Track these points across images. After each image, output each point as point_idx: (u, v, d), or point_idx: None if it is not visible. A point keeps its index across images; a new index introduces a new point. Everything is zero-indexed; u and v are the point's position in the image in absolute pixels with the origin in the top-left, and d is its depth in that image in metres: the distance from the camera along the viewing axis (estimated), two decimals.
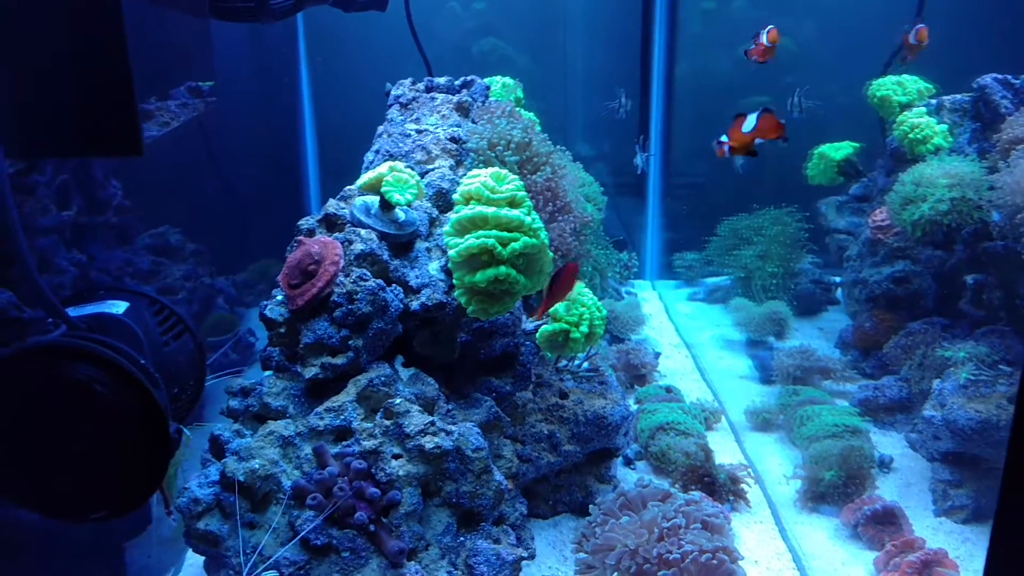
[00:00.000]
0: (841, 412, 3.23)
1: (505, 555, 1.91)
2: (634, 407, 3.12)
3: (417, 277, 2.07)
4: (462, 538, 1.92)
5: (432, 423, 1.87)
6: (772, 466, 3.21)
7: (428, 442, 1.85)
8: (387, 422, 1.88)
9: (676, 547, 2.00)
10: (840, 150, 4.36)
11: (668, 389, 3.57)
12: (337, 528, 1.84)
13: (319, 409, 1.92)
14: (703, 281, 5.20)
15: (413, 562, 1.86)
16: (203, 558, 2.60)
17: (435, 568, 1.90)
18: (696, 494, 2.16)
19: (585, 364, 2.96)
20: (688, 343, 4.39)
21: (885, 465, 3.15)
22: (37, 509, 1.37)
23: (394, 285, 2.03)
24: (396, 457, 1.87)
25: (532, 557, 1.98)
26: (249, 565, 1.95)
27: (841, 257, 4.51)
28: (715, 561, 2.00)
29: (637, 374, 3.76)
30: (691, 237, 5.29)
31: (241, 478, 1.84)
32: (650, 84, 5.61)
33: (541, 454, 2.74)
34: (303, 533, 1.81)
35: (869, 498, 2.86)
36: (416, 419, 1.87)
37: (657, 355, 3.96)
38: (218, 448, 1.95)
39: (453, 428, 1.88)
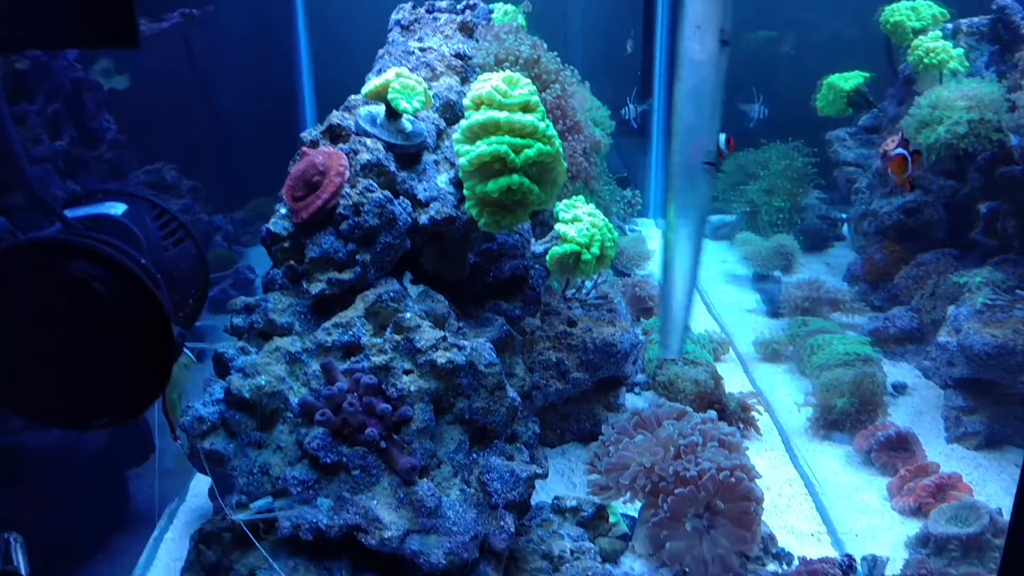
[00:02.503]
0: (852, 341, 3.19)
1: (519, 472, 1.86)
2: (641, 338, 3.06)
3: (425, 190, 1.99)
4: (475, 455, 1.88)
5: (444, 338, 1.81)
6: (782, 396, 3.17)
7: (440, 357, 1.79)
8: (397, 337, 1.82)
9: (693, 464, 1.96)
10: (850, 80, 4.25)
11: None
12: (347, 445, 1.79)
13: (326, 325, 1.86)
14: (708, 218, 5.12)
15: (425, 479, 1.81)
16: (206, 488, 2.57)
17: (448, 485, 1.86)
18: (712, 413, 2.11)
19: (593, 292, 2.90)
20: None
21: (898, 391, 3.11)
22: (35, 416, 1.31)
23: (401, 198, 1.95)
24: (407, 373, 1.82)
25: (545, 475, 1.94)
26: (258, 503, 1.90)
27: (850, 191, 4.43)
28: (733, 479, 1.96)
29: (644, 307, 3.71)
30: None
31: (247, 395, 1.78)
32: (654, 24, 5.47)
33: (549, 382, 2.69)
34: (312, 450, 1.76)
35: (882, 424, 2.83)
36: (427, 334, 1.81)
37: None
38: (223, 366, 1.89)
39: (465, 343, 1.82)
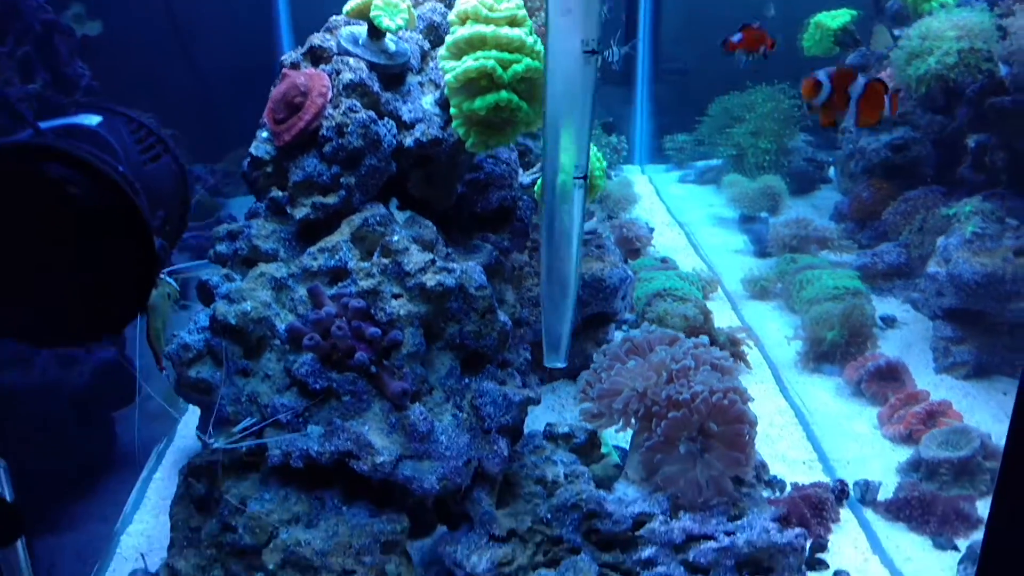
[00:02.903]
0: (841, 276, 3.18)
1: (512, 396, 1.84)
2: (630, 274, 3.04)
3: (410, 111, 1.94)
4: (467, 380, 1.85)
5: (432, 261, 1.77)
6: (771, 331, 3.17)
7: (429, 280, 1.76)
8: (385, 260, 1.78)
9: (686, 388, 1.94)
10: (837, 18, 4.19)
11: (664, 260, 3.50)
12: (337, 371, 1.76)
13: (312, 250, 1.82)
14: (693, 164, 5.09)
15: (417, 404, 1.79)
16: (195, 429, 2.54)
17: (440, 411, 1.84)
18: (704, 338, 2.09)
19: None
20: (680, 221, 4.31)
21: (887, 323, 3.11)
22: (10, 332, 1.27)
23: (386, 119, 1.90)
24: (396, 297, 1.78)
25: (538, 401, 1.92)
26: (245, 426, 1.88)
27: (837, 129, 4.40)
28: (726, 401, 1.95)
29: (631, 248, 3.68)
30: (681, 120, 5.16)
31: (232, 321, 1.74)
32: None
33: (538, 318, 2.67)
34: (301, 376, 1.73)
35: (871, 356, 2.83)
36: (416, 257, 1.77)
37: (651, 230, 3.87)
38: (207, 294, 1.85)
39: (455, 266, 1.79)
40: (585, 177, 1.36)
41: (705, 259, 3.83)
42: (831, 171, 4.77)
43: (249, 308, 1.75)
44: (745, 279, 3.48)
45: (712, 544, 1.92)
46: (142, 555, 2.04)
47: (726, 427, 1.97)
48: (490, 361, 1.87)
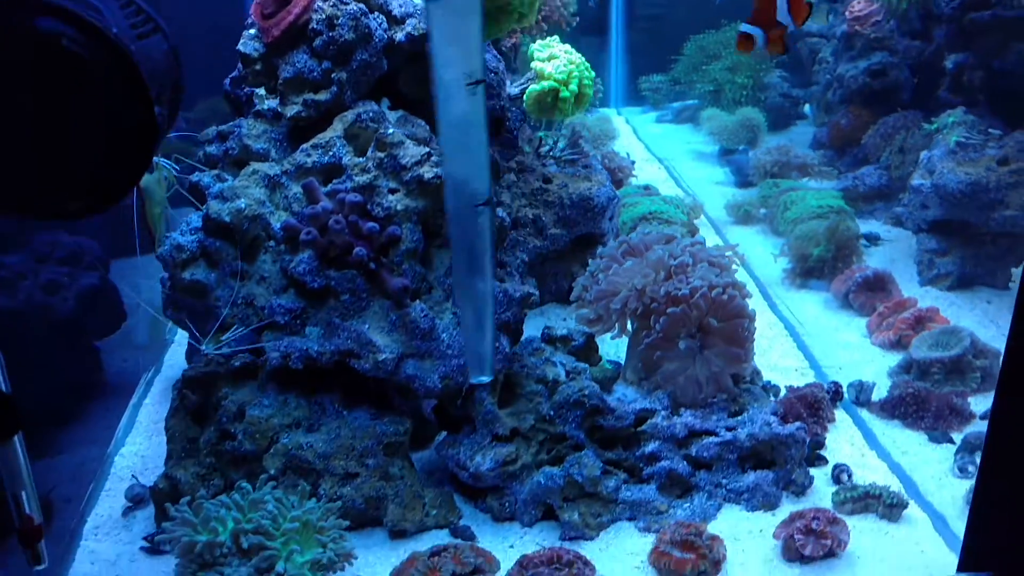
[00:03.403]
0: (825, 195, 3.19)
1: (512, 291, 1.82)
2: (617, 193, 3.02)
3: (400, 6, 1.90)
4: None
5: (428, 154, 1.75)
6: (757, 253, 3.17)
7: (427, 172, 1.73)
8: (380, 154, 1.75)
9: (685, 284, 1.94)
10: None
11: (646, 188, 3.49)
12: (335, 269, 1.73)
13: (305, 146, 1.78)
14: (669, 105, 5.08)
15: (418, 301, 1.77)
16: (182, 359, 2.50)
17: (440, 310, 1.82)
18: (700, 236, 2.08)
19: (568, 150, 2.84)
20: (659, 157, 4.30)
21: (871, 241, 3.13)
22: (6, 205, 1.22)
23: (376, 13, 1.86)
24: (393, 192, 1.75)
25: (538, 300, 1.91)
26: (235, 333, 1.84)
27: (813, 63, 4.41)
28: (725, 296, 1.95)
29: (614, 179, 3.65)
30: (656, 63, 5.14)
31: (227, 219, 1.71)
32: None
33: (527, 239, 2.65)
34: (298, 274, 1.70)
35: (858, 268, 2.85)
36: (412, 150, 1.74)
37: (632, 162, 3.86)
38: (199, 195, 1.81)
39: None
40: (489, 202, 1.35)
41: (686, 190, 3.83)
42: (806, 108, 4.79)
43: (243, 205, 1.71)
44: (728, 204, 3.48)
45: (714, 439, 1.93)
46: (134, 476, 2.01)
47: (725, 323, 1.97)
48: None
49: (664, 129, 4.83)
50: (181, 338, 2.65)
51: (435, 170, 1.73)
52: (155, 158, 1.83)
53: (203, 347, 1.73)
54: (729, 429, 1.95)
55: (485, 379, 1.53)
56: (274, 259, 1.77)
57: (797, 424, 1.96)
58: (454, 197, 1.35)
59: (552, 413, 1.87)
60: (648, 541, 1.83)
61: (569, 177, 2.75)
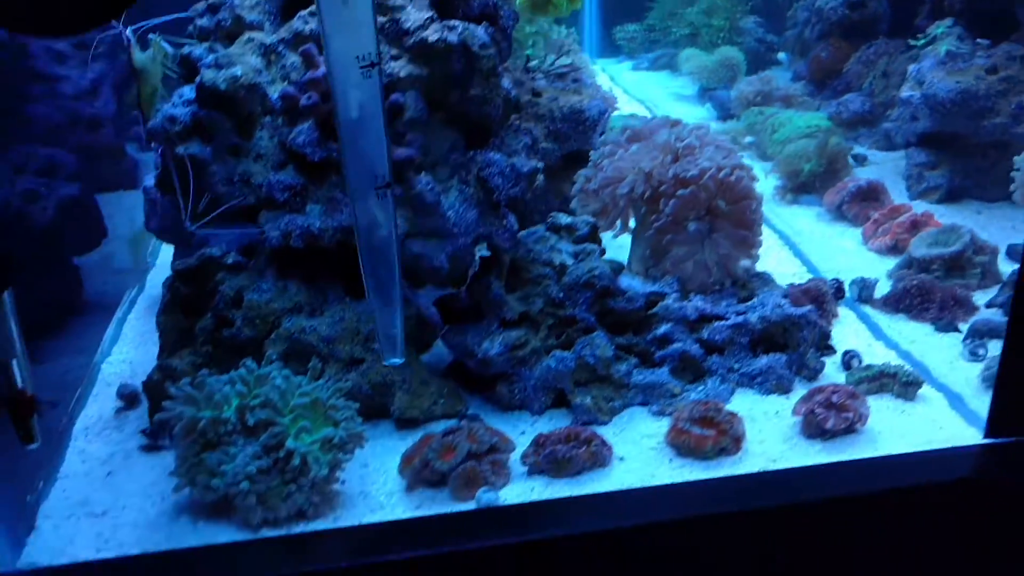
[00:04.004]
0: (812, 117, 3.18)
1: (520, 166, 1.77)
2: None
3: None
4: (472, 153, 1.77)
5: (431, 18, 1.68)
6: None
7: (432, 35, 1.66)
8: (382, 19, 1.68)
9: (693, 166, 1.90)
10: None
11: (632, 116, 3.44)
12: (335, 140, 1.66)
13: (302, 13, 1.71)
14: (645, 55, 5.05)
15: (423, 174, 1.70)
16: (166, 273, 2.41)
17: (445, 187, 1.75)
18: (705, 122, 2.04)
19: (559, 61, 2.78)
20: (640, 99, 4.26)
21: (859, 161, 3.12)
22: (2, 19, 1.14)
23: None
24: (395, 58, 1.69)
25: (543, 177, 1.85)
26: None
27: (791, 5, 4.40)
28: (733, 177, 1.91)
29: None
30: (630, 11, 5.10)
31: (222, 87, 1.62)
32: None
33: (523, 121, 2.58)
34: (296, 146, 1.62)
35: (851, 179, 2.83)
36: (414, 14, 1.68)
37: (614, 98, 3.80)
38: (191, 68, 1.73)
39: (456, 23, 1.69)
40: (389, 185, 1.30)
41: None
42: (781, 55, 4.78)
43: (239, 73, 1.63)
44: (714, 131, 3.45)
45: (726, 322, 1.89)
46: (124, 383, 1.92)
47: (734, 205, 1.93)
48: (494, 134, 1.78)
49: (641, 76, 4.79)
50: (163, 262, 2.56)
51: (439, 34, 1.66)
52: (151, 35, 1.74)
53: (188, 223, 1.64)
54: (739, 314, 1.91)
55: (397, 361, 1.51)
56: (271, 134, 1.70)
57: (809, 307, 1.93)
58: (354, 183, 1.32)
59: (562, 295, 1.82)
60: (662, 425, 1.78)
61: (559, 91, 2.69)
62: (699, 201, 1.90)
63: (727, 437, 1.68)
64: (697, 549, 1.51)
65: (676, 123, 2.02)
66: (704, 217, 1.93)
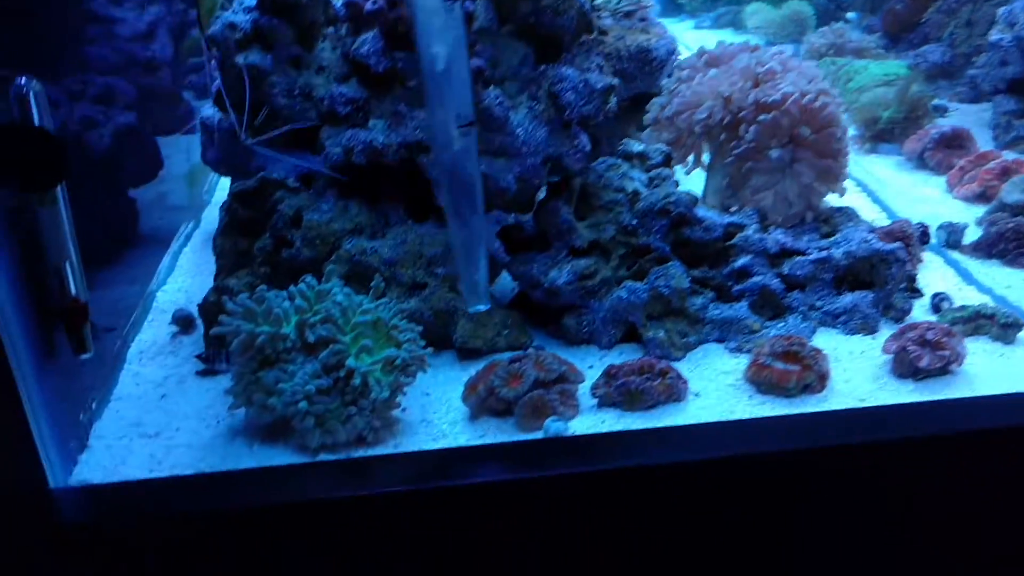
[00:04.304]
0: (890, 65, 3.02)
1: (593, 82, 1.67)
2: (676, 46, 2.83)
3: None
4: (543, 68, 1.67)
5: None
6: None
7: None
8: None
9: (775, 91, 1.78)
10: None
11: None
12: (402, 49, 1.57)
13: None
14: (707, 14, 4.89)
15: (492, 87, 1.61)
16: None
17: (514, 103, 1.66)
18: (786, 46, 1.92)
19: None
20: None
21: (939, 112, 2.96)
22: None
23: None
24: None
25: (620, 96, 1.75)
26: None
27: None
28: (818, 103, 1.79)
29: None
30: None
31: None
32: None
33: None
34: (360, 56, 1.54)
35: (933, 126, 2.68)
36: None
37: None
38: None
39: None
40: (472, 124, 1.20)
41: None
42: (850, 15, 4.59)
43: None
44: None
45: (808, 257, 1.78)
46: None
47: (818, 133, 1.81)
48: (566, 50, 1.68)
49: (703, 35, 4.63)
50: (219, 199, 2.50)
51: None
52: None
53: (244, 136, 1.57)
54: (823, 249, 1.79)
55: (482, 307, 1.43)
56: (334, 45, 1.62)
57: (898, 243, 1.81)
58: (437, 123, 1.24)
59: (635, 223, 1.72)
60: (740, 362, 1.68)
61: (626, 30, 2.57)
62: (781, 128, 1.78)
63: (812, 373, 1.57)
64: (780, 486, 1.41)
65: (756, 48, 1.90)
66: (786, 145, 1.81)
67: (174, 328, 1.81)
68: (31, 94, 1.21)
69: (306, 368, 1.44)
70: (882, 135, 2.74)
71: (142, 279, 2.02)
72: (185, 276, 2.07)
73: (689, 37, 4.59)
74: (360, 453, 1.46)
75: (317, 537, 1.32)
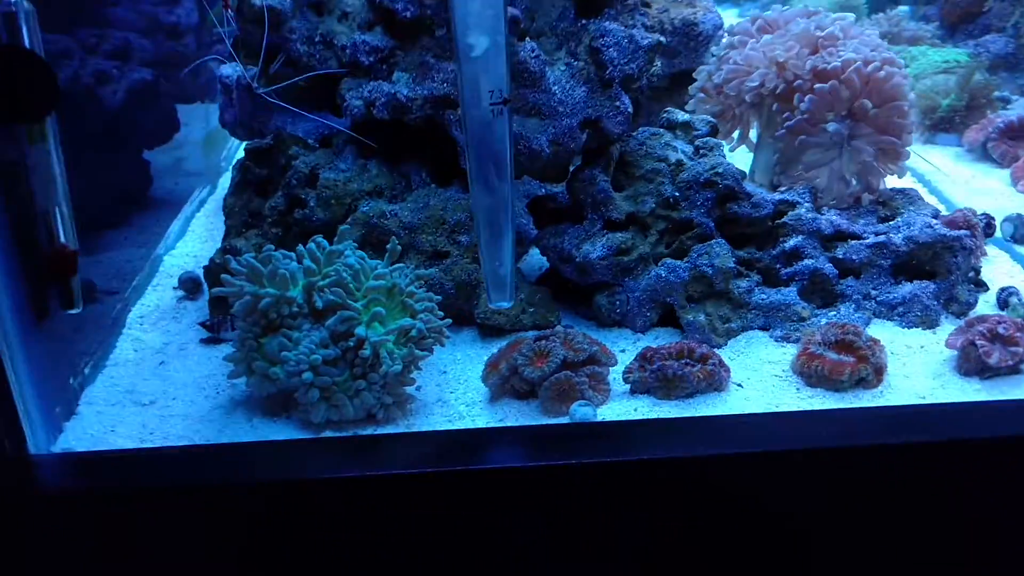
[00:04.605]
0: (949, 52, 2.84)
1: (639, 38, 1.53)
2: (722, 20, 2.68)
3: None
4: (583, 22, 1.53)
5: None
6: None
7: None
8: None
9: (835, 57, 1.63)
10: None
11: None
12: None
13: None
14: (750, 3, 4.72)
15: (528, 40, 1.47)
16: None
17: (551, 60, 1.52)
18: (847, 13, 1.77)
19: None
20: None
21: (1003, 103, 2.78)
22: None
23: None
24: None
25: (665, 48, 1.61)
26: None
27: None
28: (882, 73, 1.63)
29: None
30: None
31: None
32: None
33: None
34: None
35: (997, 115, 2.51)
36: None
37: None
38: None
39: None
40: (506, 102, 1.06)
41: None
42: (903, 7, 4.41)
43: None
44: None
45: (864, 241, 1.63)
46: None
47: (881, 107, 1.66)
48: (608, 5, 1.55)
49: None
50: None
51: None
52: None
53: (257, 87, 1.45)
54: (881, 233, 1.64)
55: (505, 304, 1.28)
56: None
57: (965, 231, 1.65)
58: (469, 96, 1.11)
59: (677, 195, 1.58)
60: (787, 352, 1.53)
61: (670, 2, 2.43)
62: (840, 99, 1.63)
63: (868, 365, 1.42)
64: (830, 487, 1.26)
65: (814, 13, 1.75)
66: (845, 119, 1.66)
67: (180, 293, 1.70)
68: (21, 14, 1.10)
69: (312, 336, 1.31)
70: (941, 124, 2.57)
71: (150, 243, 1.92)
72: (196, 241, 1.96)
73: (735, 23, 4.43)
74: (369, 431, 1.33)
75: (317, 518, 1.20)
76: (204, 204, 2.19)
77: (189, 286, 1.68)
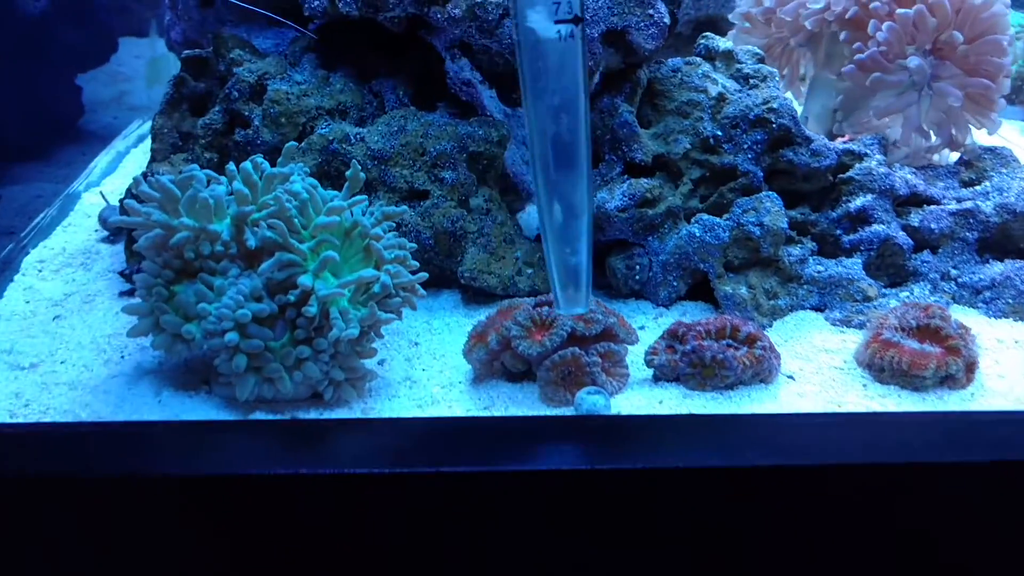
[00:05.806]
0: (1018, 16, 2.53)
1: None
2: None
3: None
4: None
5: None
6: None
7: None
8: None
9: None
10: None
11: None
12: None
13: None
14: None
15: None
16: None
17: None
18: None
19: None
20: None
21: None
22: None
23: None
24: None
25: None
26: None
27: None
28: (979, 0, 1.31)
29: None
30: None
31: None
32: None
33: None
34: None
35: None
36: None
37: None
38: None
39: None
40: (578, 20, 0.72)
41: None
42: None
43: None
44: None
45: (945, 208, 1.31)
46: (102, 193, 1.43)
47: (974, 42, 1.34)
48: None
49: None
50: None
51: None
52: None
53: None
54: (965, 199, 1.33)
55: (580, 310, 0.91)
56: None
57: None
58: (525, 13, 0.76)
59: (719, 134, 1.25)
60: (847, 338, 1.22)
61: None
62: (926, 28, 1.31)
63: (959, 359, 1.10)
64: (907, 510, 0.94)
65: None
66: (929, 54, 1.34)
67: (99, 236, 1.37)
68: None
69: (241, 285, 0.98)
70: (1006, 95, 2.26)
71: (68, 177, 1.59)
72: (127, 178, 1.63)
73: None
74: (312, 415, 1.01)
75: (238, 526, 0.87)
76: (144, 140, 1.86)
77: (112, 227, 1.35)
